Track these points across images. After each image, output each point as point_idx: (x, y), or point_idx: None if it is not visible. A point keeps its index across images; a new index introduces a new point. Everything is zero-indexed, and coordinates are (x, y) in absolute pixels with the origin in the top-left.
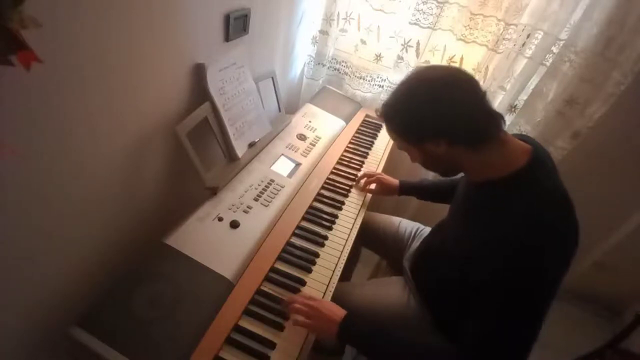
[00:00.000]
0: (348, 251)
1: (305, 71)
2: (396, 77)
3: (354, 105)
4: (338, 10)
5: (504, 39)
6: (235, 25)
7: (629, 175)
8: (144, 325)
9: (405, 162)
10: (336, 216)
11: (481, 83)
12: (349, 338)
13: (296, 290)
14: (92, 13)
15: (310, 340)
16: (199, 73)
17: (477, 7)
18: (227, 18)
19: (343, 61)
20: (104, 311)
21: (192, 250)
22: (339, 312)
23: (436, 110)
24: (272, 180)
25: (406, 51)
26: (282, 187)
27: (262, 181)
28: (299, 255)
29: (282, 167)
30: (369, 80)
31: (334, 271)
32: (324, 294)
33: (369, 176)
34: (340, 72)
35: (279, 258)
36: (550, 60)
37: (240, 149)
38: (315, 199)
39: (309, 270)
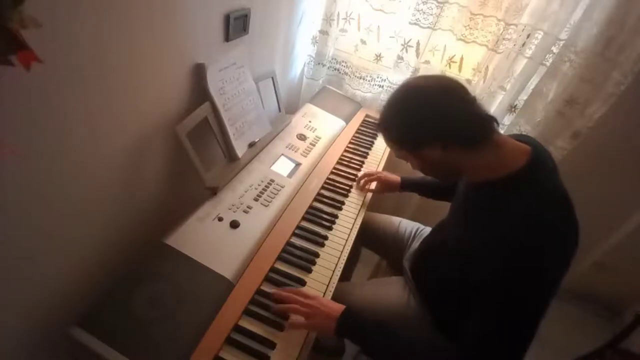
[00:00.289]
0: (348, 251)
1: (305, 71)
2: (396, 77)
3: (354, 105)
4: (338, 10)
5: (504, 39)
6: (235, 25)
7: (629, 175)
8: (144, 325)
9: (405, 162)
10: (336, 216)
11: (481, 83)
12: (348, 333)
13: None
14: (92, 13)
15: (310, 340)
16: (199, 73)
17: (477, 7)
18: (227, 18)
19: (343, 61)
20: (104, 311)
21: (192, 250)
22: (337, 308)
23: (428, 116)
24: (272, 180)
25: (406, 51)
26: (282, 187)
27: (262, 181)
28: (299, 255)
29: (282, 167)
30: (369, 80)
31: (334, 271)
32: (324, 293)
33: (369, 175)
34: (340, 72)
35: (279, 258)
36: (550, 60)
37: (240, 149)
38: (315, 199)
39: (309, 270)
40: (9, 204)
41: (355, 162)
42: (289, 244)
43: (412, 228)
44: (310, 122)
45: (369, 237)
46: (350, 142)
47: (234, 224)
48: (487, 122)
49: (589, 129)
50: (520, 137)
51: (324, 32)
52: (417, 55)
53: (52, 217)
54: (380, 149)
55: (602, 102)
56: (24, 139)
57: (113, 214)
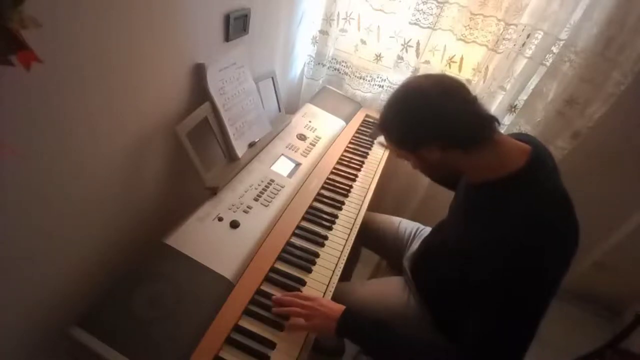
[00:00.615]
0: (348, 251)
1: (305, 71)
2: (396, 77)
3: (354, 105)
4: (338, 10)
5: (504, 39)
6: (235, 25)
7: (629, 175)
8: (144, 325)
9: (405, 162)
10: (336, 216)
11: (481, 83)
12: (348, 333)
13: (296, 291)
14: (92, 13)
15: (310, 340)
16: (199, 73)
17: (477, 7)
18: (227, 18)
19: (343, 61)
20: (104, 311)
21: (192, 250)
22: (337, 308)
23: (428, 117)
24: (272, 180)
25: (406, 51)
26: (282, 187)
27: (262, 181)
28: (299, 255)
29: (282, 167)
30: (369, 80)
31: (334, 271)
32: (324, 294)
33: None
34: (340, 72)
35: (279, 258)
36: (550, 60)
37: (240, 149)
38: (315, 199)
39: (309, 270)
40: (9, 204)
41: (355, 162)
42: (289, 244)
43: (412, 228)
44: (310, 122)
45: (369, 237)
46: (350, 142)
47: (234, 224)
48: (488, 122)
49: (589, 129)
50: (521, 136)
51: (324, 32)
52: (417, 55)
53: (52, 217)
54: (380, 149)
55: (602, 102)
56: (24, 139)
57: (113, 214)
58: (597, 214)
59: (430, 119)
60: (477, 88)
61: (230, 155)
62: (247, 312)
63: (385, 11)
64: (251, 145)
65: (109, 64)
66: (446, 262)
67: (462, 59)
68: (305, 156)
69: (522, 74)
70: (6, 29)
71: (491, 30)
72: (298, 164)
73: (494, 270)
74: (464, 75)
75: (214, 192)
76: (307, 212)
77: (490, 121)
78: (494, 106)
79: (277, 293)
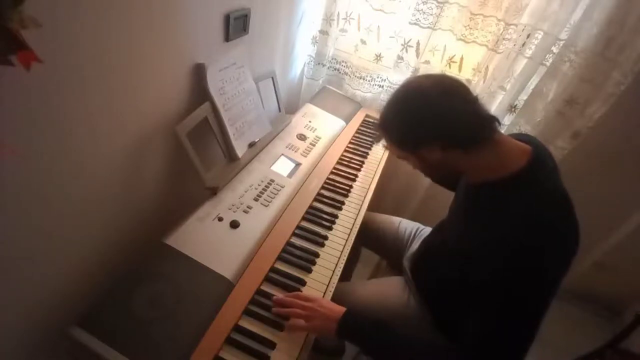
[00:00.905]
0: (348, 251)
1: (305, 71)
2: (396, 77)
3: (354, 105)
4: (338, 10)
5: (504, 39)
6: (235, 25)
7: (629, 175)
8: (144, 325)
9: (405, 162)
10: (336, 216)
11: (481, 83)
12: (349, 335)
13: (296, 290)
14: (92, 13)
15: (310, 340)
16: (199, 73)
17: (477, 7)
18: (227, 18)
19: (343, 61)
20: (104, 311)
21: (192, 250)
22: (337, 309)
23: (428, 117)
24: (272, 180)
25: (406, 51)
26: (282, 187)
27: (262, 181)
28: (299, 255)
29: (282, 167)
30: (369, 80)
31: (334, 271)
32: (324, 294)
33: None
34: (340, 72)
35: (279, 258)
36: (550, 60)
37: (240, 149)
38: (315, 199)
39: (309, 270)
40: (9, 204)
41: (355, 162)
42: (289, 244)
43: (412, 228)
44: (310, 122)
45: (369, 237)
46: (350, 142)
47: (234, 224)
48: (488, 123)
49: (589, 129)
50: (521, 137)
51: (324, 32)
52: (417, 55)
53: (52, 217)
54: (380, 149)
55: (602, 102)
56: (24, 139)
57: (113, 214)
58: (597, 214)
59: (430, 119)
60: (477, 88)
61: (230, 155)
62: (247, 312)
63: (385, 11)
64: (251, 145)
65: (109, 64)
66: (446, 262)
67: (462, 59)
68: (305, 156)
69: (522, 74)
70: (6, 29)
71: (491, 30)
72: (298, 164)
73: (494, 270)
74: (464, 75)
75: (214, 192)
76: (307, 212)
77: (491, 121)
78: (494, 106)
79: (277, 293)
